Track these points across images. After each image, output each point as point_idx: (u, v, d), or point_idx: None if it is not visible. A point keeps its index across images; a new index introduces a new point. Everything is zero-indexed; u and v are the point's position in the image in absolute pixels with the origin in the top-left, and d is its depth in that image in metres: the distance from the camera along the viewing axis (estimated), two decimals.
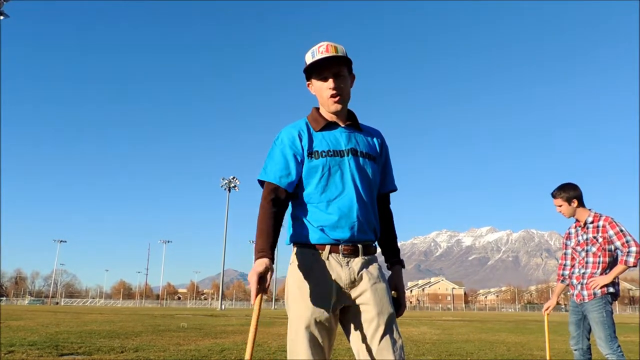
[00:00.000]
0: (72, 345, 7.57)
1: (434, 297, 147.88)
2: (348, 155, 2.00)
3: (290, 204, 2.04)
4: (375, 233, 2.03)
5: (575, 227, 4.19)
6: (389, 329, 1.85)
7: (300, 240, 1.96)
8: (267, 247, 1.83)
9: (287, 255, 2.08)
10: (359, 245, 1.95)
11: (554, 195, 4.14)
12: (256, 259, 1.81)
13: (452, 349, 8.66)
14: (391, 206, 2.21)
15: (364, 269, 1.93)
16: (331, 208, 1.93)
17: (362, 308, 1.89)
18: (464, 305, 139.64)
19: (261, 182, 2.00)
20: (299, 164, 1.98)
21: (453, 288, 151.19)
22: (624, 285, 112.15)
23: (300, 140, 2.00)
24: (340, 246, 1.92)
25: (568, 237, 4.30)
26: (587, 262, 4.01)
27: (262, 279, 1.75)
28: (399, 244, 2.18)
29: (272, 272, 1.79)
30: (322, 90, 2.01)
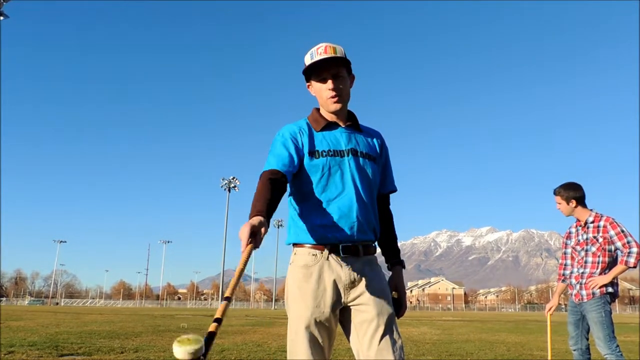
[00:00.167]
0: (72, 346, 7.57)
1: (434, 297, 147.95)
2: (348, 155, 2.01)
3: (290, 203, 2.04)
4: (375, 233, 2.03)
5: (576, 226, 4.20)
6: (388, 329, 1.85)
7: (300, 240, 1.96)
8: (264, 210, 1.71)
9: (287, 255, 2.08)
10: (359, 246, 1.95)
11: (554, 192, 4.19)
12: (252, 217, 1.68)
13: (452, 349, 8.66)
14: (391, 206, 2.21)
15: (364, 269, 1.93)
16: (331, 208, 1.93)
17: (362, 308, 1.89)
18: (464, 305, 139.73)
19: None
20: (300, 156, 1.97)
21: (453, 288, 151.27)
22: (624, 285, 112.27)
23: (302, 136, 2.01)
24: (340, 246, 1.92)
25: (568, 237, 4.31)
26: (586, 262, 4.01)
27: (255, 233, 1.59)
28: (399, 244, 2.18)
29: (266, 230, 1.64)
30: (322, 91, 2.02)
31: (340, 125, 2.07)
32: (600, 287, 3.90)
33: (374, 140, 2.15)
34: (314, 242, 1.93)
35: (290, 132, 2.01)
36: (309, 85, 2.09)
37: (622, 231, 3.89)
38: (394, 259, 2.13)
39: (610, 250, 3.95)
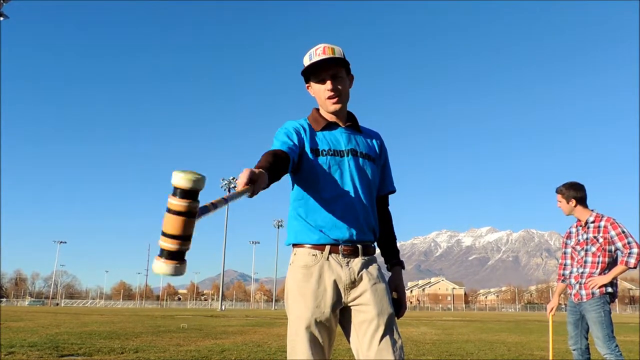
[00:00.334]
0: (72, 346, 7.57)
1: (434, 297, 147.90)
2: (348, 155, 2.01)
3: (290, 203, 2.04)
4: (374, 233, 2.03)
5: (576, 226, 4.21)
6: (389, 330, 1.85)
7: (299, 240, 1.96)
8: (266, 167, 1.65)
9: (287, 255, 2.08)
10: (359, 246, 1.95)
11: (556, 191, 4.22)
12: None
13: (452, 349, 8.66)
14: (391, 206, 2.22)
15: (364, 270, 1.93)
16: (331, 208, 1.93)
17: (362, 308, 1.89)
18: (464, 305, 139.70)
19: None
20: (301, 148, 1.97)
21: (453, 288, 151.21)
22: (624, 285, 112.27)
23: (304, 133, 2.01)
24: (340, 246, 1.92)
25: (568, 237, 4.32)
26: (585, 262, 4.02)
27: (253, 180, 1.50)
28: (398, 245, 2.19)
29: (265, 185, 1.56)
30: (321, 92, 2.02)
31: (340, 126, 2.07)
32: (599, 287, 3.90)
33: (374, 141, 2.15)
34: (314, 242, 1.93)
35: (293, 126, 2.01)
36: (308, 86, 2.10)
37: (623, 232, 3.90)
38: (394, 260, 2.13)
39: (610, 251, 3.95)
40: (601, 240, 3.96)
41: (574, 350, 4.14)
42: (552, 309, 4.56)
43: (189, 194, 1.22)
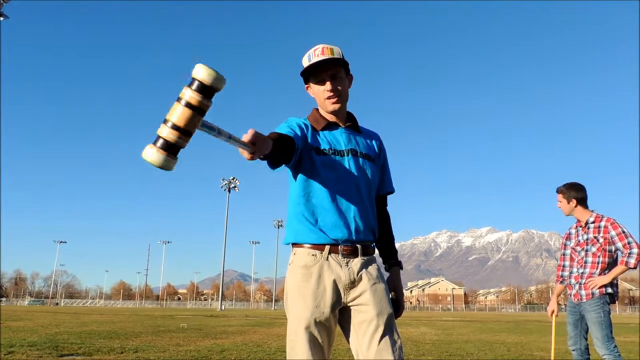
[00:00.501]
0: (72, 346, 7.57)
1: (434, 297, 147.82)
2: (348, 155, 2.01)
3: (289, 203, 2.04)
4: (373, 234, 2.03)
5: (576, 227, 4.20)
6: (388, 330, 1.85)
7: (299, 240, 1.96)
8: (272, 137, 1.63)
9: (286, 255, 2.08)
10: (358, 246, 1.95)
11: (557, 190, 4.22)
12: None
13: (452, 349, 8.66)
14: (391, 206, 2.22)
15: (364, 270, 1.93)
16: (330, 208, 1.93)
17: (361, 309, 1.89)
18: (464, 305, 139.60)
19: (271, 165, 1.84)
20: (304, 139, 1.96)
21: (453, 288, 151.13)
22: (624, 285, 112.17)
23: (306, 129, 2.01)
24: (339, 246, 1.92)
25: (568, 238, 4.31)
26: (585, 262, 4.02)
27: (261, 139, 1.46)
28: (398, 245, 2.19)
29: (267, 150, 1.51)
30: (320, 92, 2.02)
31: (340, 126, 2.07)
32: (599, 288, 3.90)
33: (373, 141, 2.16)
34: (314, 242, 1.93)
35: (296, 122, 2.01)
36: (307, 87, 2.09)
37: (623, 232, 3.90)
38: (392, 260, 2.13)
39: (610, 251, 3.95)
40: (601, 240, 3.95)
41: (573, 350, 4.13)
42: (552, 311, 4.55)
43: (206, 90, 1.20)
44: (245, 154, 1.46)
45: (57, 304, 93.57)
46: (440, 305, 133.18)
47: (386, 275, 2.09)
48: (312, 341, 1.83)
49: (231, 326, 15.20)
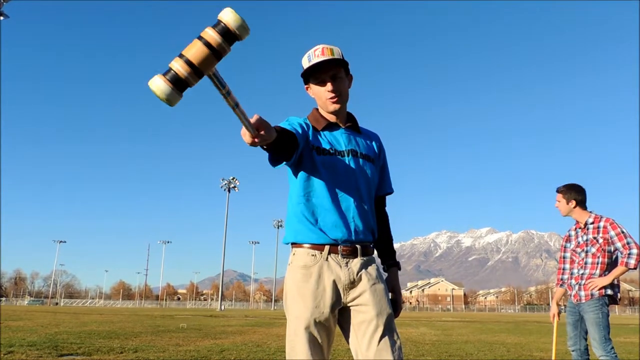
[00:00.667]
0: (72, 346, 7.57)
1: (434, 298, 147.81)
2: (348, 155, 2.01)
3: (288, 203, 2.04)
4: (373, 234, 2.03)
5: (575, 228, 4.20)
6: (388, 330, 1.86)
7: (298, 240, 1.96)
8: (277, 129, 1.63)
9: (286, 255, 2.08)
10: (358, 246, 1.95)
11: (557, 190, 4.23)
12: None
13: (451, 349, 8.66)
14: (390, 206, 2.23)
15: (363, 270, 1.93)
16: (330, 208, 1.93)
17: (361, 309, 1.89)
18: (463, 306, 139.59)
19: (271, 162, 1.85)
20: (306, 139, 1.96)
21: (453, 289, 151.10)
22: (624, 286, 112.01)
23: (307, 128, 2.01)
24: (339, 247, 1.92)
25: (568, 240, 4.30)
26: (586, 263, 4.02)
27: (265, 126, 1.45)
28: (398, 245, 2.20)
29: (270, 138, 1.48)
30: (321, 93, 2.02)
31: (340, 126, 2.07)
32: (599, 289, 3.90)
33: (373, 142, 2.16)
34: (313, 242, 1.93)
35: (297, 121, 2.01)
36: (307, 87, 2.10)
37: (622, 232, 3.89)
38: (390, 260, 2.14)
39: (609, 251, 3.95)
40: (601, 240, 3.95)
41: (572, 351, 4.14)
42: (553, 315, 4.54)
43: (228, 35, 1.19)
44: (246, 136, 1.44)
45: (56, 303, 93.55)
46: (439, 306, 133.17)
47: (384, 275, 2.10)
48: (312, 341, 1.83)
49: (231, 326, 15.20)
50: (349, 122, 2.10)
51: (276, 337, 10.64)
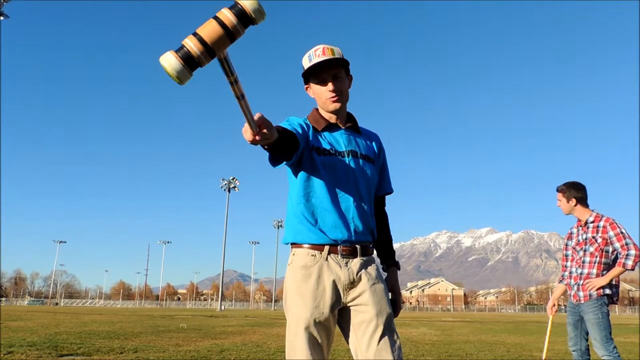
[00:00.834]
0: (72, 346, 7.57)
1: (434, 298, 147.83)
2: (348, 156, 2.02)
3: (288, 203, 2.04)
4: (372, 234, 2.04)
5: (577, 226, 4.20)
6: (387, 330, 1.86)
7: (298, 240, 1.96)
8: (278, 129, 1.62)
9: (286, 256, 2.08)
10: (357, 246, 1.95)
11: (557, 189, 4.24)
12: None
13: (451, 349, 8.66)
14: (390, 206, 2.23)
15: (363, 270, 1.94)
16: (330, 208, 1.94)
17: (361, 309, 1.89)
18: (463, 306, 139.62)
19: (272, 162, 1.85)
20: (306, 139, 1.96)
21: (453, 289, 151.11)
22: (623, 286, 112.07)
23: (307, 129, 2.01)
24: (338, 247, 1.92)
25: (569, 237, 4.31)
26: (584, 262, 4.02)
27: (261, 126, 1.43)
28: (398, 245, 2.20)
29: (272, 138, 1.48)
30: (321, 93, 2.02)
31: (340, 127, 2.08)
32: (597, 289, 3.90)
33: (373, 142, 2.16)
34: (313, 243, 1.93)
35: (297, 121, 2.01)
36: (307, 88, 2.10)
37: (622, 232, 3.89)
38: (390, 260, 2.15)
39: (608, 251, 3.95)
40: (600, 240, 3.95)
41: (573, 351, 4.14)
42: (551, 307, 4.56)
43: (244, 17, 1.20)
44: (248, 132, 1.43)
45: (56, 304, 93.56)
46: (440, 306, 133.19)
47: (384, 275, 2.10)
48: (312, 341, 1.84)
49: (231, 326, 15.20)
50: (349, 123, 2.10)
51: (276, 337, 10.64)
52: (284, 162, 1.86)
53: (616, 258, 3.95)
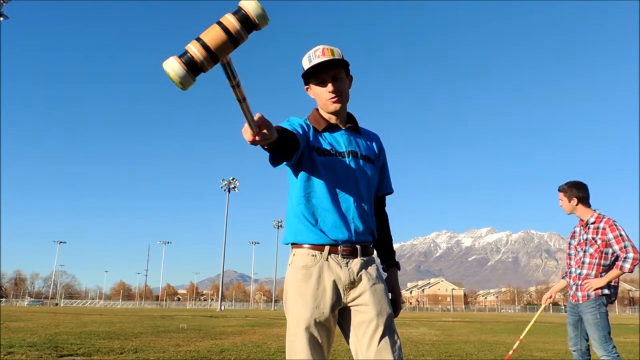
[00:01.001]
0: (72, 347, 7.57)
1: (434, 298, 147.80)
2: (349, 156, 2.02)
3: (288, 203, 2.04)
4: (372, 235, 2.04)
5: (579, 226, 4.21)
6: (388, 330, 1.86)
7: (298, 240, 1.96)
8: (278, 129, 1.63)
9: (286, 256, 2.08)
10: (358, 246, 1.95)
11: (558, 189, 4.24)
12: None
13: (451, 350, 8.66)
14: (390, 206, 2.23)
15: (363, 270, 1.94)
16: (330, 209, 1.94)
17: (361, 309, 1.89)
18: (463, 306, 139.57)
19: (272, 162, 1.85)
20: (306, 140, 1.96)
21: (453, 289, 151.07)
22: (624, 286, 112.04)
23: (308, 129, 2.01)
24: (339, 247, 1.92)
25: (573, 236, 4.31)
26: (583, 263, 4.03)
27: (261, 126, 1.44)
28: (398, 245, 2.20)
29: (272, 138, 1.48)
30: (321, 93, 2.02)
31: (340, 127, 2.08)
32: (594, 290, 3.90)
33: (373, 142, 2.17)
34: (314, 243, 1.93)
35: (297, 122, 2.01)
36: (307, 88, 2.10)
37: (621, 235, 3.88)
38: (390, 261, 2.15)
39: (607, 253, 3.95)
40: (599, 242, 3.95)
41: (574, 351, 4.14)
42: (547, 298, 4.59)
43: (247, 22, 1.20)
44: (248, 133, 1.43)
45: (56, 304, 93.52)
46: (440, 306, 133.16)
47: (384, 275, 2.10)
48: (312, 341, 1.84)
49: (231, 327, 15.19)
50: (349, 123, 2.10)
51: (276, 337, 10.64)
52: (284, 163, 1.86)
53: (616, 259, 3.95)
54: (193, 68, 1.20)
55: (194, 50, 1.19)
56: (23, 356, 6.28)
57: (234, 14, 1.21)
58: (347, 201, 1.96)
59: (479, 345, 9.86)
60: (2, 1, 25.54)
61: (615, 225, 3.93)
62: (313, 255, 1.92)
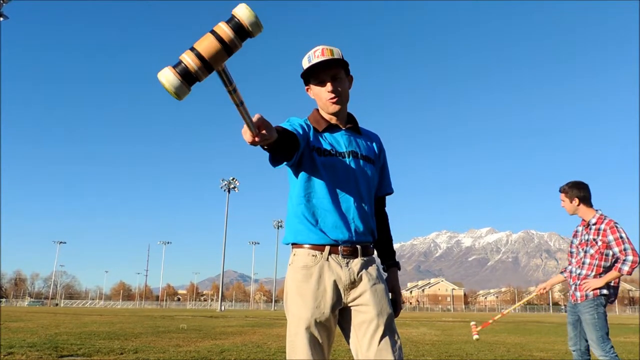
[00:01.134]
0: (72, 347, 7.57)
1: (434, 298, 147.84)
2: (349, 157, 2.02)
3: (289, 203, 2.04)
4: (372, 235, 2.04)
5: (582, 225, 4.21)
6: (388, 330, 1.86)
7: (299, 240, 1.96)
8: (278, 130, 1.63)
9: (286, 256, 2.08)
10: (358, 247, 1.95)
11: (560, 189, 4.24)
12: None
13: (451, 349, 8.66)
14: (390, 206, 2.23)
15: (364, 270, 1.94)
16: (331, 209, 1.94)
17: (361, 309, 1.90)
18: (463, 306, 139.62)
19: (272, 162, 1.85)
20: (307, 140, 1.96)
21: (453, 289, 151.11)
22: (624, 286, 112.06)
23: (308, 129, 2.01)
24: (339, 247, 1.93)
25: (575, 236, 4.31)
26: (583, 263, 4.04)
27: (260, 126, 1.44)
28: (398, 245, 2.20)
29: (271, 138, 1.48)
30: (321, 94, 2.02)
31: (341, 128, 2.08)
32: (593, 290, 3.91)
33: (373, 142, 2.17)
34: (314, 243, 1.93)
35: (298, 122, 2.01)
36: (307, 89, 2.10)
37: (621, 237, 3.88)
38: (390, 261, 2.15)
39: (607, 255, 3.95)
40: (600, 243, 3.95)
41: (573, 351, 4.14)
42: (541, 287, 4.61)
43: (241, 30, 1.20)
44: (247, 134, 1.44)
45: (56, 304, 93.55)
46: (440, 306, 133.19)
47: (384, 275, 2.10)
48: (312, 341, 1.84)
49: (231, 327, 15.19)
50: (349, 123, 2.11)
51: (276, 337, 10.64)
52: (285, 163, 1.86)
53: (616, 261, 3.95)
54: (188, 78, 1.20)
55: (188, 60, 1.19)
56: (23, 356, 6.28)
57: (228, 22, 1.21)
58: (348, 201, 1.96)
59: (479, 345, 9.85)
60: (2, 1, 25.54)
61: (616, 227, 3.92)
62: (313, 256, 1.92)
